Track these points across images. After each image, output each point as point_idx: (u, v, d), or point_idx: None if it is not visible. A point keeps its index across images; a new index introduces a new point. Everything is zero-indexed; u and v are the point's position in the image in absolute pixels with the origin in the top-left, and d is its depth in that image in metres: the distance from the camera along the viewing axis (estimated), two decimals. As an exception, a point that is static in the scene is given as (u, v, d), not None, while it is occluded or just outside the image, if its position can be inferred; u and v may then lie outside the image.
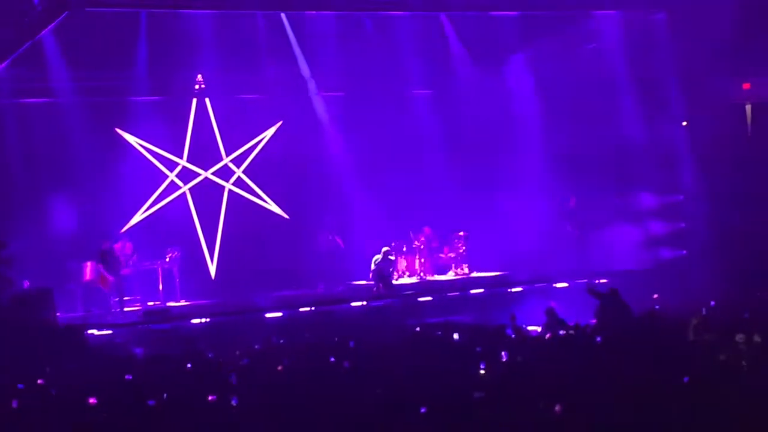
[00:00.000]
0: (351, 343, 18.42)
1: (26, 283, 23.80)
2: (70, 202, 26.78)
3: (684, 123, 28.51)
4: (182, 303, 26.83)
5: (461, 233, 29.49)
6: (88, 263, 25.63)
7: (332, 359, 16.64)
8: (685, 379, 12.52)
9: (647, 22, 28.24)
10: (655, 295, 23.19)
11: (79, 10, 22.91)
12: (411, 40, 28.50)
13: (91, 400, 13.94)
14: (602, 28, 28.69)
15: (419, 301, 25.66)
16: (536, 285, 26.37)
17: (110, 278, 25.05)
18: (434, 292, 26.44)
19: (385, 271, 27.15)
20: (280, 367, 16.29)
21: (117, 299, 25.24)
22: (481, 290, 26.43)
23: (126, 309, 25.33)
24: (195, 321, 23.46)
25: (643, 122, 28.23)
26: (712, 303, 21.03)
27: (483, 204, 29.34)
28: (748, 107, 28.42)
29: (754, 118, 28.26)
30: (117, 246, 25.66)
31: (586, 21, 28.72)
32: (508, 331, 18.87)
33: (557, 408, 11.56)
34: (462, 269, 29.42)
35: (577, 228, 28.85)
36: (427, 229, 29.51)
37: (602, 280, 25.10)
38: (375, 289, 26.78)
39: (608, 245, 28.20)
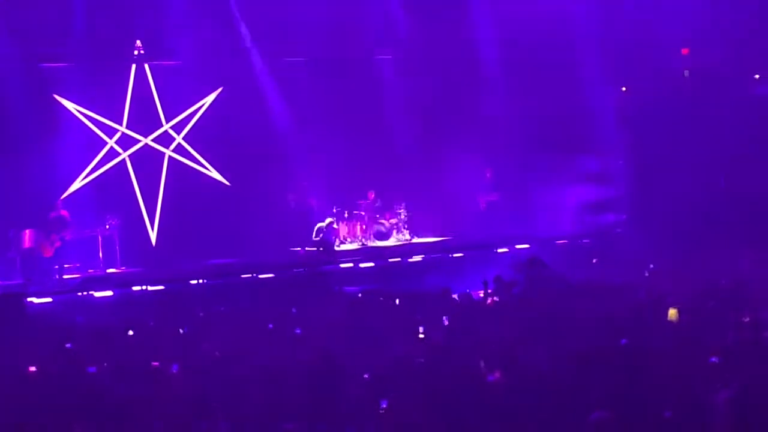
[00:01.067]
0: (293, 310, 18.43)
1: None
2: (7, 169, 26.46)
3: (623, 89, 28.70)
4: (123, 270, 26.70)
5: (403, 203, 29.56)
6: (27, 231, 25.41)
7: (270, 326, 16.66)
8: (623, 342, 12.63)
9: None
10: (594, 260, 23.40)
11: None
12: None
13: (31, 369, 13.87)
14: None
15: (361, 267, 25.69)
16: (478, 251, 26.48)
17: (53, 245, 24.86)
18: (376, 258, 26.47)
19: (328, 238, 27.19)
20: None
21: (57, 266, 25.06)
22: (422, 257, 26.50)
23: (66, 276, 25.17)
24: (136, 288, 23.34)
25: (583, 87, 28.37)
26: (651, 266, 21.27)
27: (428, 170, 29.42)
28: (686, 72, 28.64)
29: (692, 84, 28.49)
30: (60, 213, 25.41)
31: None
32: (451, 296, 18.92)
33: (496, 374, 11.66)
34: (404, 235, 29.47)
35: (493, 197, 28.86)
36: (370, 194, 29.55)
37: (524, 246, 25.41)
38: (317, 255, 26.79)
39: (551, 210, 28.40)
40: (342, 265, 25.73)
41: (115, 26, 27.48)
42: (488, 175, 29.10)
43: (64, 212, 25.72)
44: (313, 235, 27.63)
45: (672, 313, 15.11)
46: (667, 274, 20.34)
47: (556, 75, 28.02)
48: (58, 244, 24.98)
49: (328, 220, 27.78)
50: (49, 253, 24.99)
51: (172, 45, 28.58)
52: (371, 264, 25.86)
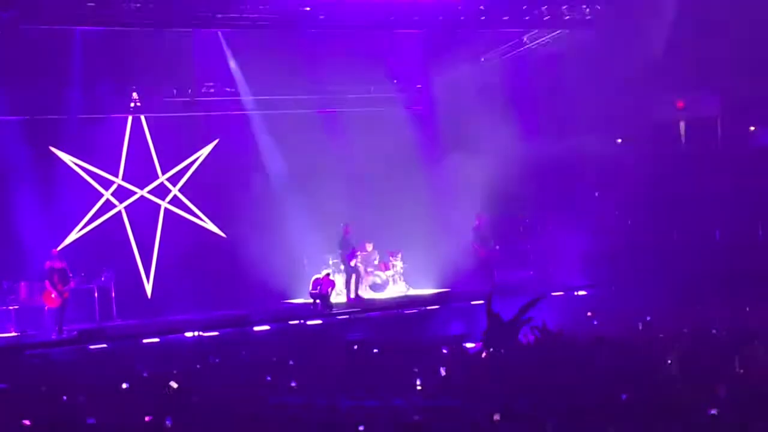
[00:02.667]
0: (290, 362, 18.34)
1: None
2: (5, 221, 26.48)
3: (618, 140, 28.79)
4: (118, 322, 26.63)
5: (399, 252, 29.51)
6: (23, 283, 25.40)
7: (269, 378, 16.57)
8: (623, 396, 12.56)
9: (579, 39, 28.43)
10: (589, 313, 23.32)
11: (13, 27, 22.70)
12: (350, 58, 28.58)
13: (26, 422, 13.76)
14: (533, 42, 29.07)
15: (357, 319, 25.62)
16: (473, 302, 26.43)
17: (57, 296, 24.80)
18: (372, 310, 26.41)
19: (324, 291, 27.16)
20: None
21: (58, 318, 24.96)
22: (418, 309, 26.40)
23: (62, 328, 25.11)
24: (131, 341, 23.25)
25: (579, 139, 28.43)
26: (648, 318, 21.20)
27: (424, 220, 29.43)
28: (682, 124, 28.76)
29: (688, 135, 28.60)
30: (61, 265, 25.36)
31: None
32: (444, 348, 18.83)
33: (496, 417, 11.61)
34: (399, 286, 29.42)
35: (483, 246, 28.80)
36: (367, 246, 29.54)
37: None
38: (313, 306, 26.75)
39: (546, 262, 28.43)
40: (338, 317, 25.68)
41: (111, 78, 27.57)
42: (477, 223, 28.88)
43: (62, 264, 25.56)
44: (310, 286, 27.62)
45: (669, 363, 15.03)
46: (662, 327, 20.25)
47: (553, 125, 28.14)
48: (66, 295, 24.87)
49: (325, 271, 27.82)
50: (55, 303, 24.84)
51: (168, 97, 28.67)
52: (367, 315, 25.78)
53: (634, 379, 13.78)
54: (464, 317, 24.77)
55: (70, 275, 25.17)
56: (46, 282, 24.75)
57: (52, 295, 24.69)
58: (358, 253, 28.80)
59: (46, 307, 25.00)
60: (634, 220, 28.13)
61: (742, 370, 14.10)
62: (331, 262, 29.04)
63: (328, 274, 27.83)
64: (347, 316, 25.78)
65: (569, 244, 28.61)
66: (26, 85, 26.65)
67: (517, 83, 29.40)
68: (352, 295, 28.53)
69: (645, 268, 26.84)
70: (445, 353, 18.40)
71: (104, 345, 22.82)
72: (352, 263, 28.48)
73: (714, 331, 17.44)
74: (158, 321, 26.28)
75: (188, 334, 23.52)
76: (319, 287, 27.26)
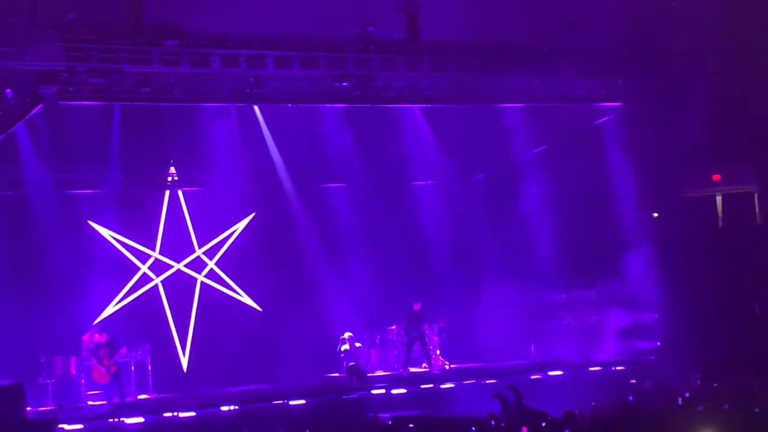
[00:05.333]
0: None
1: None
2: (42, 295, 26.61)
3: (655, 214, 28.70)
4: (154, 396, 26.61)
5: (436, 324, 29.35)
6: (60, 357, 25.48)
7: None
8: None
9: (616, 114, 28.48)
10: (633, 380, 23.23)
11: (54, 103, 22.95)
12: (380, 131, 28.71)
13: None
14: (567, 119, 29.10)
15: (393, 394, 25.49)
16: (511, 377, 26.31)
17: (105, 371, 24.87)
18: (408, 384, 26.26)
19: (358, 363, 27.04)
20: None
21: (116, 390, 25.00)
22: (453, 385, 26.24)
23: (97, 402, 25.11)
24: (167, 414, 23.22)
25: (615, 213, 28.39)
26: (687, 395, 21.01)
27: (461, 295, 29.35)
28: (719, 198, 28.67)
29: (724, 209, 28.50)
30: (104, 338, 25.39)
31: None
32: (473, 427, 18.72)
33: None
34: (436, 361, 29.26)
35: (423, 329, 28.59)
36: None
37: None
38: (349, 381, 26.63)
39: (584, 337, 28.30)
40: (374, 392, 25.55)
41: (148, 153, 27.77)
42: (416, 308, 28.59)
43: (106, 337, 25.58)
44: (341, 354, 27.41)
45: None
46: (702, 402, 20.07)
47: (590, 202, 28.13)
48: (114, 369, 24.93)
49: (347, 335, 27.60)
50: (105, 379, 24.92)
51: (205, 171, 28.87)
52: (403, 390, 25.63)
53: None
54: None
55: (118, 346, 25.26)
56: (93, 359, 24.87)
57: (101, 371, 24.78)
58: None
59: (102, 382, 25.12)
60: (672, 295, 27.90)
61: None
62: (367, 336, 28.92)
63: (352, 338, 27.62)
64: (383, 391, 25.64)
65: (606, 319, 28.51)
66: (66, 160, 26.88)
67: (554, 156, 29.39)
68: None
69: (684, 343, 26.64)
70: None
71: (141, 419, 22.77)
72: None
73: (756, 410, 17.26)
74: (194, 395, 26.25)
75: (224, 408, 23.46)
76: (353, 363, 27.12)
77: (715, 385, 22.77)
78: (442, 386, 26.02)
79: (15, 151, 25.69)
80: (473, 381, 26.27)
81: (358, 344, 27.63)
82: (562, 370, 26.47)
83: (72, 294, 26.89)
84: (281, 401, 24.30)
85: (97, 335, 25.33)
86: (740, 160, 28.39)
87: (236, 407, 23.63)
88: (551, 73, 26.65)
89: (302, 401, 24.29)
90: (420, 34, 25.56)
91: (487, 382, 26.08)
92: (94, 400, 25.49)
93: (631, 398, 21.67)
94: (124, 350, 25.49)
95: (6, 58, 21.94)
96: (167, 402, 25.37)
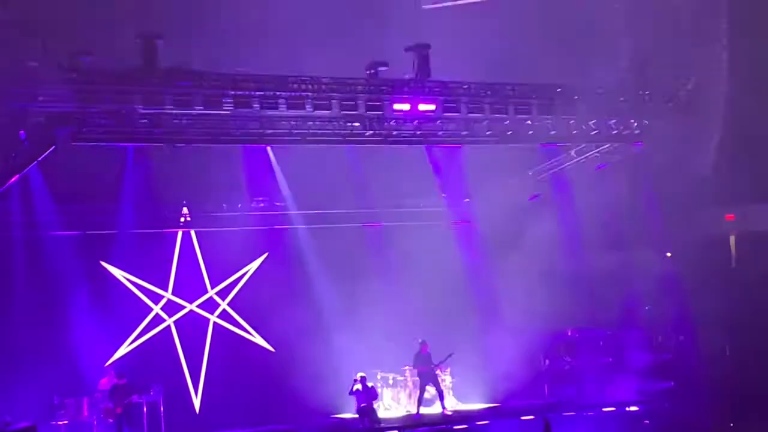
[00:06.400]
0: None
1: (8, 419, 23.50)
2: (55, 336, 26.60)
3: (668, 254, 28.65)
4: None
5: (447, 367, 29.19)
6: (73, 398, 25.48)
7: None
8: None
9: (628, 154, 28.48)
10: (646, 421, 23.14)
11: (66, 144, 23.01)
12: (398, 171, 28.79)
13: None
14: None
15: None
16: (524, 419, 26.24)
17: (117, 410, 24.92)
18: (421, 425, 26.17)
19: (370, 404, 26.93)
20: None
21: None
22: (465, 426, 26.14)
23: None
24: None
25: (627, 252, 28.35)
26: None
27: (473, 335, 29.26)
28: (732, 238, 28.59)
29: (738, 248, 28.41)
30: (121, 381, 25.40)
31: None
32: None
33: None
34: (449, 401, 29.13)
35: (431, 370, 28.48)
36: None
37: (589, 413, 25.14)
38: (361, 424, 26.53)
39: (597, 377, 28.23)
40: (386, 432, 25.53)
41: (161, 193, 27.80)
42: (423, 351, 28.50)
43: (124, 380, 25.57)
44: (352, 393, 27.28)
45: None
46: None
47: (600, 237, 28.13)
48: (119, 410, 25.03)
49: (360, 375, 27.47)
50: (116, 417, 25.04)
51: (218, 211, 28.89)
52: (416, 431, 25.55)
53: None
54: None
55: (133, 390, 25.31)
56: (107, 401, 24.97)
57: (109, 408, 24.87)
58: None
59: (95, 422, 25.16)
60: (686, 335, 27.82)
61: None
62: (379, 376, 28.87)
63: (364, 378, 27.46)
64: (396, 431, 25.57)
65: (620, 360, 28.43)
66: (78, 200, 26.94)
67: (564, 196, 29.41)
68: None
69: (698, 384, 26.54)
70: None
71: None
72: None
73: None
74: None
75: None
76: (364, 405, 27.00)
77: (732, 425, 22.69)
78: (455, 427, 25.94)
79: (28, 192, 25.76)
80: (487, 422, 26.21)
81: (370, 384, 27.50)
82: (575, 411, 26.36)
83: (84, 335, 26.88)
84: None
85: (116, 379, 25.35)
86: (755, 199, 28.31)
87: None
88: (565, 113, 26.69)
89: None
90: (430, 74, 25.61)
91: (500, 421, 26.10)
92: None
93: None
94: (135, 397, 25.52)
95: (20, 99, 22.04)
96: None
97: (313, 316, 29.59)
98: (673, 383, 28.15)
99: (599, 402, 27.13)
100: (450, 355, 28.33)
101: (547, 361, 29.10)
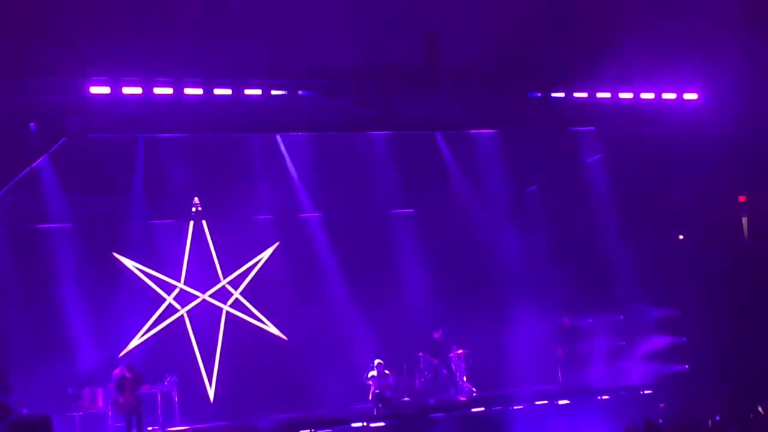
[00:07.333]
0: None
1: (24, 410, 23.53)
2: (68, 327, 26.65)
3: (680, 237, 28.60)
4: (182, 428, 26.57)
5: (461, 351, 29.18)
6: (87, 389, 25.51)
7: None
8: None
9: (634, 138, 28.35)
10: (662, 404, 23.13)
11: (78, 136, 22.99)
12: (404, 159, 28.73)
13: None
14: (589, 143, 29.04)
15: (420, 420, 25.43)
16: (537, 404, 26.29)
17: (125, 402, 24.92)
18: (436, 411, 26.20)
19: (385, 391, 26.95)
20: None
21: (135, 422, 25.05)
22: (482, 408, 26.19)
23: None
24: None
25: (639, 236, 28.31)
26: (717, 417, 20.91)
27: (488, 320, 29.23)
28: (745, 220, 28.50)
29: (751, 231, 28.33)
30: (127, 371, 25.42)
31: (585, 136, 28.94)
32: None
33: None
34: (464, 387, 29.13)
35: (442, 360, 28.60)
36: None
37: (604, 397, 25.14)
38: (375, 410, 26.56)
39: (611, 361, 28.23)
40: (401, 418, 25.49)
41: (173, 183, 27.78)
42: (436, 336, 28.68)
43: (133, 372, 25.59)
44: (368, 381, 27.30)
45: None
46: (731, 424, 20.00)
47: (616, 223, 28.10)
48: (133, 402, 25.03)
49: (378, 362, 27.49)
50: (123, 410, 25.01)
51: (230, 200, 28.88)
52: (431, 416, 25.59)
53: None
54: (529, 419, 24.67)
55: (142, 382, 25.33)
56: (116, 391, 24.96)
57: (120, 401, 24.86)
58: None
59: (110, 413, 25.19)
60: (698, 318, 27.77)
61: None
62: (391, 364, 28.86)
63: (389, 374, 27.54)
64: (411, 418, 25.59)
65: (634, 343, 28.43)
66: (90, 192, 26.94)
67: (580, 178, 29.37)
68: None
69: (712, 367, 26.52)
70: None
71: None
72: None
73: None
74: (221, 425, 26.21)
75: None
76: (379, 391, 27.03)
77: (745, 408, 22.67)
78: (472, 411, 26.04)
79: (39, 183, 25.79)
80: (500, 407, 26.26)
81: (387, 371, 27.52)
82: (590, 395, 26.39)
83: (98, 326, 26.93)
84: (308, 430, 24.31)
85: (125, 371, 25.37)
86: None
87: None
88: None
89: (329, 431, 24.31)
90: (440, 60, 25.44)
91: (515, 408, 26.13)
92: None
93: (660, 421, 21.58)
94: (146, 387, 25.51)
95: (30, 92, 22.02)
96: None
97: (326, 304, 29.59)
98: (687, 366, 28.14)
99: (613, 386, 27.15)
100: (463, 350, 28.49)
101: (560, 347, 29.02)
